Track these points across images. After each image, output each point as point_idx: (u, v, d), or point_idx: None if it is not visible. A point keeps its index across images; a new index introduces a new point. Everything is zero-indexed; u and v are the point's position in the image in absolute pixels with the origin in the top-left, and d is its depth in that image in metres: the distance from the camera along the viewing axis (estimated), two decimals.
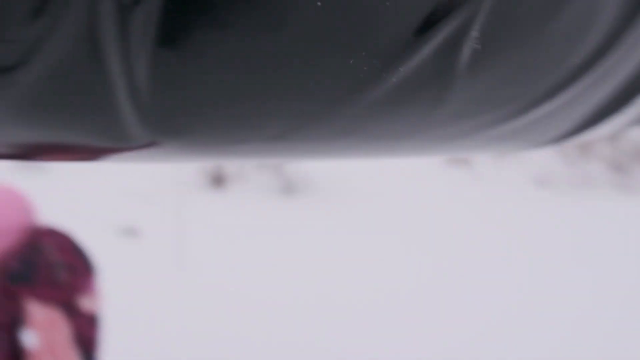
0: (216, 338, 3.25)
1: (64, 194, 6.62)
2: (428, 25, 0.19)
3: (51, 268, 1.34)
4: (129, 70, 0.17)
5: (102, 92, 0.18)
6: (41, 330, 1.31)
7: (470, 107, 0.23)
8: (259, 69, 0.18)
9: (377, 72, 0.20)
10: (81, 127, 0.19)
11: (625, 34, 0.23)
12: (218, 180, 7.33)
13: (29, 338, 1.32)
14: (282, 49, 0.18)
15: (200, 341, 3.21)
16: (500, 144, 0.28)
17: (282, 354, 3.19)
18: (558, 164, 7.83)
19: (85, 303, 1.36)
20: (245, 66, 0.18)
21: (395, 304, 3.78)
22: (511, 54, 0.21)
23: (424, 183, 7.45)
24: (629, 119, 0.29)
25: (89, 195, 6.80)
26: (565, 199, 6.50)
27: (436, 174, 8.09)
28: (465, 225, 5.41)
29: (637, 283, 4.05)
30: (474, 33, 0.20)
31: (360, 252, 4.69)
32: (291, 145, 0.23)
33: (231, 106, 0.19)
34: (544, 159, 8.14)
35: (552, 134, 0.28)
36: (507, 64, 0.22)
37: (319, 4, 0.17)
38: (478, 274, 4.26)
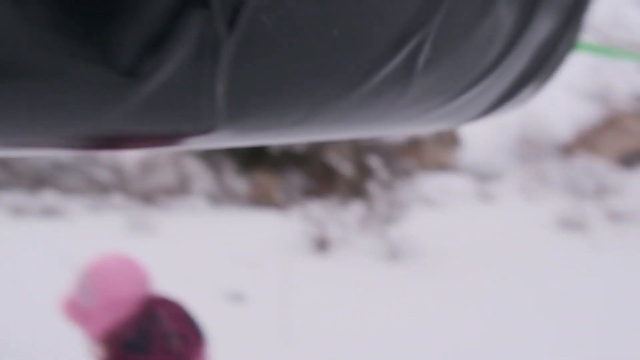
0: None
1: (172, 258, 6.84)
2: (399, 43, 0.29)
3: (165, 337, 1.34)
4: (213, 83, 0.25)
5: (193, 97, 0.26)
6: None
7: (423, 95, 0.34)
8: (294, 79, 0.27)
9: (367, 74, 0.30)
10: (172, 121, 0.27)
11: (516, 45, 0.35)
12: (322, 245, 7.33)
13: None
14: (310, 64, 0.27)
15: None
16: (444, 120, 0.39)
17: None
18: None
19: None
20: (286, 78, 0.27)
21: None
22: (448, 59, 0.32)
23: (535, 249, 7.11)
24: (521, 101, 0.42)
25: (196, 260, 6.97)
26: None
27: (549, 239, 7.72)
28: (581, 296, 5.07)
29: None
30: (427, 47, 0.30)
31: (468, 321, 4.49)
32: (304, 129, 0.32)
33: (270, 103, 0.28)
34: None
35: (474, 113, 0.41)
36: (445, 66, 0.33)
37: (335, 32, 0.26)
38: (594, 348, 3.96)
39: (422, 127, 0.40)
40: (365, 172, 8.59)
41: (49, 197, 15.93)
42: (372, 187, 7.68)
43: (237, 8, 0.23)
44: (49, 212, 14.74)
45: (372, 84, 0.30)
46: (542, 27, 0.36)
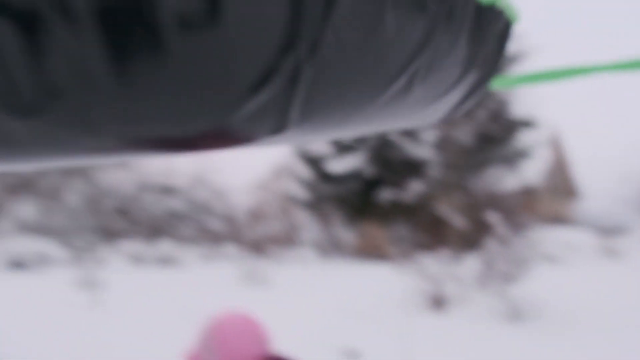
0: None
1: (285, 310, 6.81)
2: (405, 68, 0.45)
3: None
4: (294, 98, 0.37)
5: (280, 108, 0.38)
6: None
7: (418, 101, 0.51)
8: (341, 91, 0.41)
9: (386, 87, 0.45)
10: (261, 125, 0.39)
11: (470, 67, 0.53)
12: (439, 302, 7.03)
13: None
14: (353, 81, 0.41)
15: None
16: (431, 116, 0.59)
17: None
18: None
19: None
20: (337, 91, 0.41)
21: None
22: (432, 78, 0.49)
23: None
24: (473, 104, 0.63)
25: (309, 313, 6.90)
26: None
27: None
28: None
29: None
30: (421, 70, 0.47)
31: None
32: (344, 126, 0.48)
33: (326, 108, 0.41)
34: None
35: (446, 111, 0.61)
36: (432, 81, 0.50)
37: (369, 62, 0.41)
38: None
39: (417, 121, 0.60)
40: (478, 224, 8.25)
41: (165, 246, 16.61)
42: (490, 242, 7.32)
43: (314, 48, 0.36)
44: (165, 261, 15.33)
45: (389, 93, 0.46)
46: (485, 53, 0.54)
